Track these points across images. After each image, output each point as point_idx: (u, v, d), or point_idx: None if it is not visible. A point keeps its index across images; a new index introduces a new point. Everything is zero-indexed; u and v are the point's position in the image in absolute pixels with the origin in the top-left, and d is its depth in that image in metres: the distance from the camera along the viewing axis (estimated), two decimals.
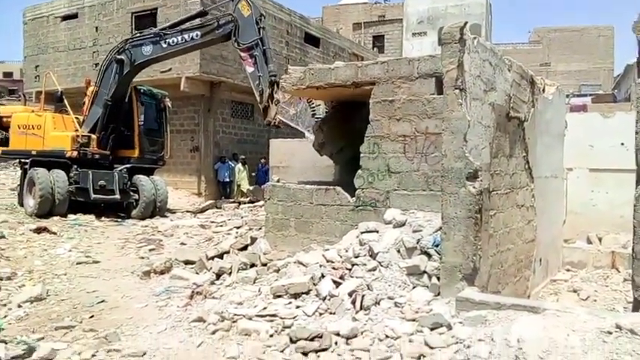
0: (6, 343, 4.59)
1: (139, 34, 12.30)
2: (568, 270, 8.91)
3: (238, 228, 9.62)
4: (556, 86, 8.83)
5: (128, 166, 12.53)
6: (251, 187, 15.35)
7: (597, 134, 10.18)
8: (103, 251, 8.53)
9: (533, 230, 7.40)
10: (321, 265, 5.66)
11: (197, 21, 11.91)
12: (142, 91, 13.13)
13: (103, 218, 11.58)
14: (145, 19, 17.26)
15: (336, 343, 4.37)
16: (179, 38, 11.09)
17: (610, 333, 3.68)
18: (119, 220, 11.82)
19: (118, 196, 12.02)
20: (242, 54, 10.21)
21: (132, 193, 12.32)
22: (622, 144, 10.06)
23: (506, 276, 6.35)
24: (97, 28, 18.68)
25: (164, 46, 11.27)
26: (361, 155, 6.79)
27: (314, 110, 9.06)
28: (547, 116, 8.10)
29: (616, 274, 8.34)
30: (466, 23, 5.14)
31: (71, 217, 11.23)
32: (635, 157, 4.15)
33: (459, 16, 34.60)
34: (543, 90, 8.15)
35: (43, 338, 4.79)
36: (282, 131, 16.91)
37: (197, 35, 10.91)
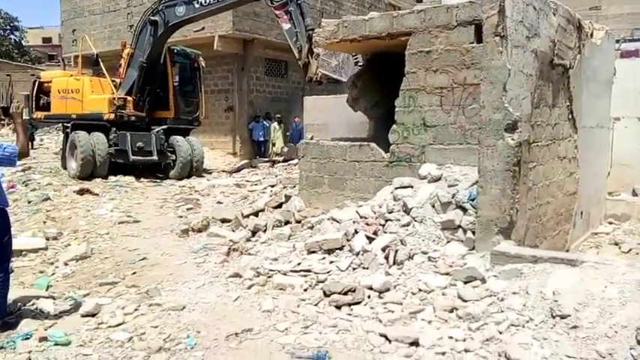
0: (54, 299, 4.83)
1: None
2: (610, 223, 8.64)
3: (273, 186, 9.69)
4: (605, 30, 8.33)
5: (164, 127, 12.72)
6: (285, 146, 15.37)
7: None
8: (143, 211, 8.77)
9: (575, 183, 7.15)
10: (354, 222, 5.65)
11: None
12: (175, 51, 13.16)
13: (142, 179, 11.88)
14: None
15: (369, 297, 4.40)
16: None
17: None
18: (157, 180, 12.10)
19: (155, 157, 12.27)
20: (276, 12, 10.01)
21: (169, 154, 12.56)
22: None
23: (545, 230, 6.20)
24: None
25: (197, 6, 11.19)
26: (396, 109, 6.63)
27: (356, 58, 8.81)
28: (594, 63, 7.68)
29: None
30: None
31: (112, 178, 11.57)
32: None
33: None
34: (591, 35, 7.70)
35: (88, 294, 5.00)
36: (316, 88, 16.75)
37: None
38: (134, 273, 5.63)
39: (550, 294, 3.67)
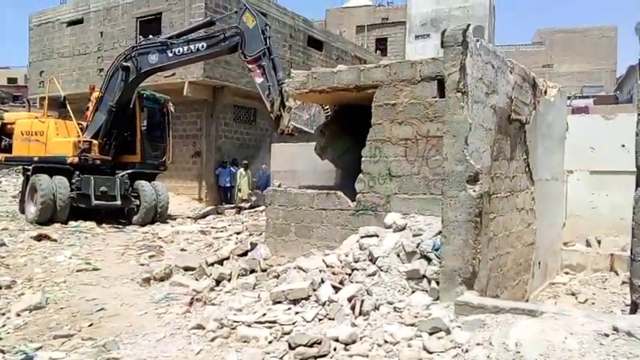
0: (4, 353, 4.60)
1: (145, 42, 12.38)
2: (567, 273, 8.87)
3: (239, 234, 9.61)
4: (558, 88, 8.81)
5: (130, 171, 12.56)
6: (251, 193, 15.35)
7: (598, 136, 10.13)
8: (103, 258, 8.53)
9: (532, 233, 7.36)
10: (320, 271, 5.63)
11: (202, 30, 12.00)
12: (144, 95, 13.18)
13: (103, 225, 11.60)
14: (149, 24, 17.42)
15: (334, 349, 4.34)
16: (185, 48, 11.13)
17: (607, 335, 3.64)
18: (120, 226, 11.83)
19: (119, 202, 12.05)
20: (249, 65, 10.20)
21: (133, 199, 12.34)
22: (623, 146, 10.02)
23: (505, 280, 6.32)
24: (101, 33, 18.82)
25: (170, 55, 11.33)
26: (362, 159, 6.78)
27: (327, 112, 9.01)
28: (549, 118, 8.07)
29: (614, 277, 8.30)
30: (469, 26, 5.13)
31: (72, 223, 11.26)
32: (635, 159, 4.12)
33: (462, 18, 34.58)
34: (545, 92, 8.12)
35: (41, 347, 4.78)
36: (284, 136, 16.97)
37: (203, 46, 10.96)
38: (91, 324, 5.43)
39: (513, 345, 3.72)
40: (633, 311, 4.01)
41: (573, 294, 7.43)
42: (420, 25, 37.04)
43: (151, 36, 14.95)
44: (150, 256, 8.53)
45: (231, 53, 11.27)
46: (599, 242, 9.81)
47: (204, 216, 12.90)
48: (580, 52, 44.24)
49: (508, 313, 4.27)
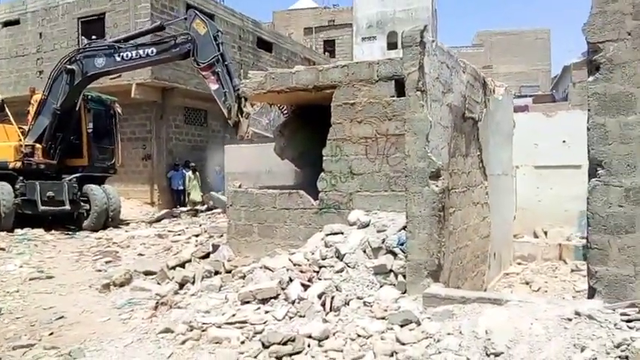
0: None
1: (89, 45, 11.94)
2: (519, 263, 9.29)
3: (197, 236, 9.47)
4: (505, 87, 9.22)
5: (77, 175, 12.10)
6: (204, 195, 15.13)
7: (541, 133, 10.67)
8: (56, 266, 8.18)
9: (487, 226, 7.68)
10: (288, 269, 5.65)
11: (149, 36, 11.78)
12: (90, 97, 12.75)
13: (52, 231, 11.11)
14: (92, 25, 16.80)
15: (309, 346, 4.38)
16: (134, 53, 10.84)
17: (570, 320, 3.87)
18: (70, 232, 11.37)
19: (68, 207, 11.59)
20: (203, 72, 10.03)
21: (83, 204, 11.91)
22: (564, 141, 10.62)
23: (465, 271, 6.56)
24: (40, 34, 18.01)
25: (118, 59, 11.01)
26: (324, 158, 6.85)
27: (286, 113, 9.00)
28: (497, 116, 8.43)
29: (564, 266, 8.77)
30: (426, 26, 5.30)
31: (18, 231, 10.72)
32: (587, 152, 4.38)
33: (406, 20, 35.43)
34: (493, 91, 8.48)
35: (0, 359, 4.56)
36: (244, 141, 16.83)
37: (153, 52, 10.72)
38: (51, 333, 5.22)
39: (482, 333, 3.88)
40: (591, 296, 4.26)
41: (527, 283, 7.79)
42: (367, 27, 37.70)
43: (94, 37, 14.47)
44: (106, 262, 8.27)
45: (182, 60, 11.13)
46: (545, 233, 10.33)
47: (159, 220, 12.61)
48: (517, 53, 46.29)
49: (475, 302, 4.44)
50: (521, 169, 10.74)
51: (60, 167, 12.18)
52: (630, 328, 3.55)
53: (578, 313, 3.88)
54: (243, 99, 9.12)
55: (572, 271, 8.23)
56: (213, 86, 9.85)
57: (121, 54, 10.91)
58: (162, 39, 11.09)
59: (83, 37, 16.54)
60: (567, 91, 29.83)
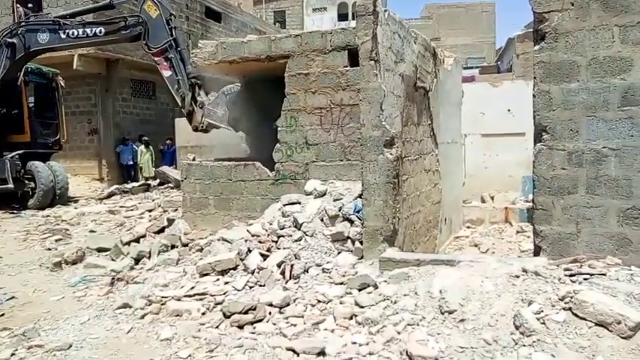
0: None
1: (34, 19, 11.24)
2: (468, 227, 9.70)
3: (150, 211, 9.29)
4: (454, 58, 9.41)
5: (20, 152, 11.54)
6: (154, 170, 14.79)
7: (487, 102, 11.06)
8: (2, 246, 7.83)
9: (439, 193, 7.93)
10: (246, 240, 5.67)
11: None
12: (30, 69, 12.07)
13: None
14: None
15: (270, 313, 4.45)
16: (80, 31, 10.27)
17: (518, 277, 4.10)
18: (15, 211, 10.90)
19: (11, 185, 11.05)
20: (155, 58, 9.52)
21: (27, 182, 11.39)
22: (508, 110, 11.03)
23: (418, 236, 6.78)
24: None
25: (62, 36, 10.40)
26: (279, 129, 6.83)
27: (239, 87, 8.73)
28: (447, 86, 8.62)
29: (509, 228, 9.22)
30: None
31: None
32: (532, 118, 4.58)
33: None
34: (443, 61, 8.65)
35: None
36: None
37: (101, 32, 10.16)
38: (2, 315, 5.04)
39: (437, 293, 4.06)
40: (537, 254, 4.52)
41: (476, 245, 8.15)
42: None
43: (30, 5, 13.63)
44: (56, 240, 7.99)
45: (132, 42, 10.62)
46: (492, 198, 10.79)
47: (109, 196, 12.24)
48: (463, 26, 47.00)
49: (429, 264, 4.62)
50: (469, 137, 11.11)
51: (1, 144, 11.57)
52: (573, 282, 3.80)
53: (525, 270, 4.11)
54: (197, 87, 8.78)
55: (518, 232, 8.66)
56: (166, 73, 9.39)
57: (67, 31, 10.34)
58: (111, 18, 10.54)
59: (18, 6, 15.56)
60: (511, 62, 30.64)
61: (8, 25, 11.50)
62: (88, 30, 10.27)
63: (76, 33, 10.29)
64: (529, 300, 3.71)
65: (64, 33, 10.36)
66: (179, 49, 9.41)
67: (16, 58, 10.86)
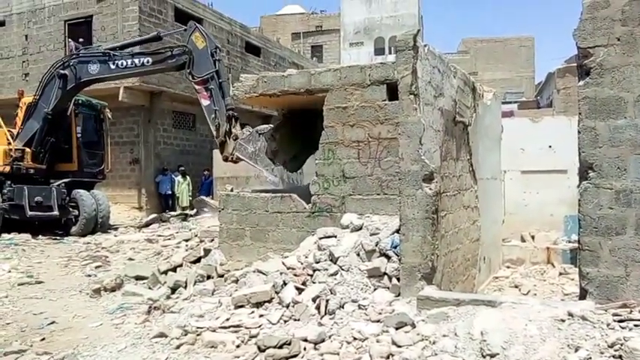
0: None
1: (85, 51, 11.93)
2: (508, 267, 9.38)
3: (187, 241, 9.41)
4: (493, 92, 9.33)
5: (66, 180, 11.99)
6: (191, 200, 15.07)
7: (527, 138, 10.84)
8: (45, 271, 8.08)
9: (478, 230, 7.74)
10: (281, 273, 5.65)
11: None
12: (80, 101, 12.66)
13: (40, 236, 10.97)
14: (78, 28, 16.68)
15: (304, 349, 4.38)
16: (129, 62, 10.77)
17: (563, 321, 3.92)
18: (58, 237, 11.24)
19: (56, 213, 11.47)
20: (197, 87, 9.89)
21: (71, 209, 11.79)
22: (549, 147, 10.80)
23: (456, 275, 6.61)
24: (26, 36, 17.83)
25: (112, 67, 10.93)
26: (316, 161, 6.86)
27: (279, 120, 8.91)
28: (486, 121, 8.52)
29: (551, 269, 8.87)
30: (419, 31, 5.35)
31: (5, 236, 10.58)
32: (578, 155, 4.46)
33: (393, 27, 35.73)
34: (482, 96, 8.58)
35: None
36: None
37: (148, 62, 10.66)
38: (43, 339, 5.14)
39: (478, 334, 3.92)
40: (583, 297, 4.33)
41: (516, 286, 7.87)
42: (354, 33, 37.93)
43: (81, 40, 14.37)
44: (96, 267, 8.19)
45: (176, 71, 11.08)
46: (532, 237, 10.46)
47: (147, 224, 12.51)
48: (501, 60, 46.86)
49: (469, 304, 4.48)
50: (509, 173, 10.88)
51: (49, 172, 12.07)
52: (623, 328, 3.61)
53: (571, 314, 3.93)
54: (233, 119, 9.03)
55: (560, 274, 8.34)
56: (205, 102, 9.69)
57: (116, 62, 10.85)
58: (157, 49, 11.08)
59: (70, 40, 16.48)
60: (551, 97, 30.23)
61: (60, 58, 12.11)
62: (136, 60, 10.74)
63: (124, 63, 10.77)
64: (576, 346, 3.53)
65: (113, 64, 10.85)
66: (220, 80, 9.70)
67: (67, 89, 11.40)
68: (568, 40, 4.56)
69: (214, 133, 9.40)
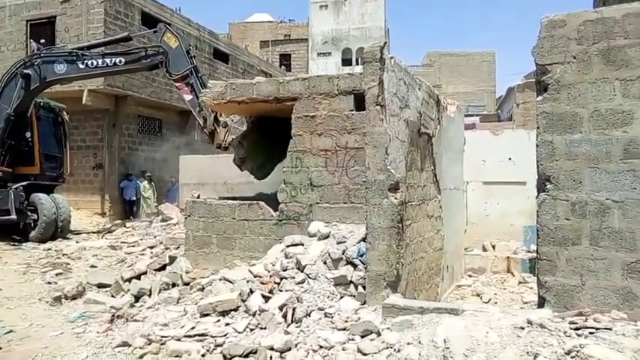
0: None
1: (49, 51, 11.66)
2: (470, 276, 9.60)
3: (152, 248, 9.26)
4: (457, 105, 9.58)
5: (24, 183, 11.62)
6: (157, 206, 14.86)
7: (488, 150, 11.16)
8: (2, 278, 7.79)
9: (441, 239, 7.91)
10: (248, 281, 5.64)
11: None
12: (38, 103, 12.31)
13: None
14: (41, 28, 16.23)
15: (270, 358, 4.39)
16: (99, 61, 10.69)
17: (523, 328, 4.06)
18: (16, 243, 10.86)
19: (14, 217, 11.08)
20: (177, 84, 10.21)
21: (30, 213, 11.42)
22: (509, 159, 11.14)
23: (420, 283, 6.73)
24: None
25: (81, 66, 10.80)
26: (284, 169, 6.90)
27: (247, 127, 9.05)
28: (450, 133, 8.74)
29: (511, 278, 9.13)
30: (385, 43, 5.47)
31: None
32: (536, 167, 4.63)
33: (360, 38, 36.25)
34: (446, 108, 8.80)
35: None
36: (192, 147, 16.61)
37: (121, 62, 10.65)
38: (0, 348, 4.97)
39: (441, 342, 4.01)
40: (541, 305, 4.49)
41: (478, 294, 8.06)
42: (322, 43, 38.29)
43: (42, 41, 14.02)
44: (57, 274, 7.95)
45: (149, 70, 11.19)
46: (493, 247, 10.74)
47: (111, 230, 12.23)
48: (464, 74, 47.99)
49: (432, 312, 4.58)
50: (471, 184, 11.16)
51: (6, 175, 11.69)
52: (579, 335, 3.77)
53: (530, 322, 4.07)
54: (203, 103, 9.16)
55: (520, 283, 8.59)
56: (187, 97, 9.97)
57: (85, 61, 10.73)
58: (130, 49, 11.10)
59: (32, 40, 16.05)
60: (511, 111, 31.13)
61: (23, 57, 11.81)
62: (107, 60, 10.68)
63: (95, 63, 10.66)
64: (535, 353, 3.66)
65: (82, 63, 10.73)
66: (199, 75, 9.98)
67: (30, 89, 11.12)
68: (528, 56, 4.74)
69: (202, 124, 9.70)
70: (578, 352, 3.50)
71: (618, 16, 4.35)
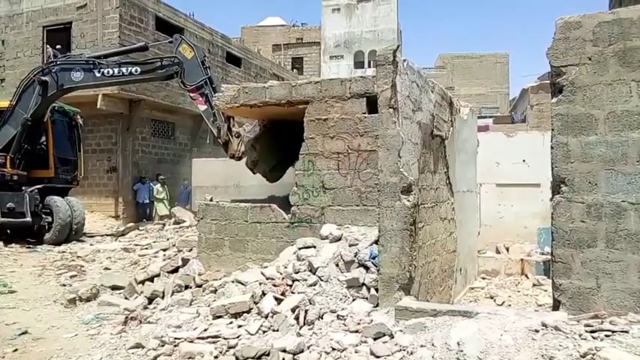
0: None
1: (67, 58, 11.87)
2: (483, 278, 9.52)
3: (165, 250, 9.33)
4: (469, 107, 9.53)
5: (39, 186, 11.77)
6: (170, 209, 14.98)
7: (502, 152, 11.10)
8: (18, 280, 7.89)
9: (454, 241, 7.86)
10: (260, 283, 5.65)
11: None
12: (54, 108, 12.48)
13: (12, 245, 10.72)
14: (57, 34, 16.48)
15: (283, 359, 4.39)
16: (116, 70, 10.84)
17: (537, 331, 4.02)
18: (31, 246, 11.00)
19: (29, 219, 11.23)
20: (191, 94, 10.32)
21: (44, 216, 11.57)
22: (524, 161, 11.06)
23: (433, 285, 6.69)
24: (3, 41, 17.55)
25: (97, 75, 10.96)
26: (296, 172, 6.91)
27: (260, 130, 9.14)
28: (463, 135, 8.69)
29: (525, 281, 9.04)
30: (398, 46, 5.46)
31: None
32: (551, 170, 4.59)
33: (372, 41, 36.24)
34: (459, 110, 8.76)
35: None
36: (204, 151, 16.73)
37: (137, 71, 10.79)
38: (16, 350, 5.03)
39: (454, 345, 3.98)
40: (556, 308, 4.44)
41: (491, 297, 7.99)
42: (334, 46, 38.34)
43: (58, 46, 14.24)
44: (71, 276, 8.04)
45: (165, 80, 11.39)
46: (507, 249, 10.66)
47: (124, 233, 12.34)
48: (477, 76, 47.78)
49: (445, 315, 4.55)
50: (484, 186, 11.09)
51: (21, 178, 11.86)
52: (594, 338, 3.72)
53: (544, 325, 4.03)
54: (231, 119, 9.30)
55: (534, 285, 8.50)
56: (202, 107, 10.08)
57: (102, 70, 10.90)
58: (147, 59, 11.25)
59: (48, 46, 16.29)
60: (525, 113, 30.88)
61: (40, 65, 12.00)
62: (124, 69, 10.83)
63: (111, 72, 10.82)
64: (550, 356, 3.62)
65: (99, 72, 10.89)
66: (213, 85, 10.03)
67: (47, 95, 11.31)
68: (542, 57, 4.70)
69: (216, 134, 9.79)
70: (594, 355, 3.45)
71: (635, 17, 4.30)
